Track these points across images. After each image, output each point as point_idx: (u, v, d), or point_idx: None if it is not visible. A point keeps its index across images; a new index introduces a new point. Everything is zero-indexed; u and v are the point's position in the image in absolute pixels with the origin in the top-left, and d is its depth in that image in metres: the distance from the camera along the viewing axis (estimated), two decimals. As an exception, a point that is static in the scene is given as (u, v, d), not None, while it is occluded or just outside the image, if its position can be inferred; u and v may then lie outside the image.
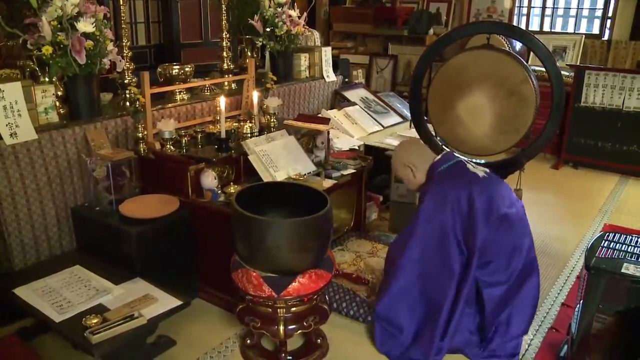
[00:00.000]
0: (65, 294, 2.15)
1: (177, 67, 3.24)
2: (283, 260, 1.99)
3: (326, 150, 3.04)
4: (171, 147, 2.66)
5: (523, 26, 5.75)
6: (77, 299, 2.11)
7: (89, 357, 1.96)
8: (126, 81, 2.90)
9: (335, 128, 3.67)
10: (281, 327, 2.07)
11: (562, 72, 2.83)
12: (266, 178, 2.60)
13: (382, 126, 4.11)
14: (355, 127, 3.92)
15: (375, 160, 3.23)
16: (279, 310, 2.07)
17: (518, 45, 4.87)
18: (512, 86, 2.67)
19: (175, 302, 2.12)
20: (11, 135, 2.35)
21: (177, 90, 3.20)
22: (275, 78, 3.38)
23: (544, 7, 5.82)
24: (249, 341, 2.22)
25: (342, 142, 3.47)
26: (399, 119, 4.33)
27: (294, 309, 2.08)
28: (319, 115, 3.73)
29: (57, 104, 2.61)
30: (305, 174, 2.74)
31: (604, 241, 2.08)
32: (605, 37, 5.38)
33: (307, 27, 4.06)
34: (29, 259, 2.48)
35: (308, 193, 2.20)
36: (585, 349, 1.98)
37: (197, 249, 2.59)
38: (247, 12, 3.72)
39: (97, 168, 2.48)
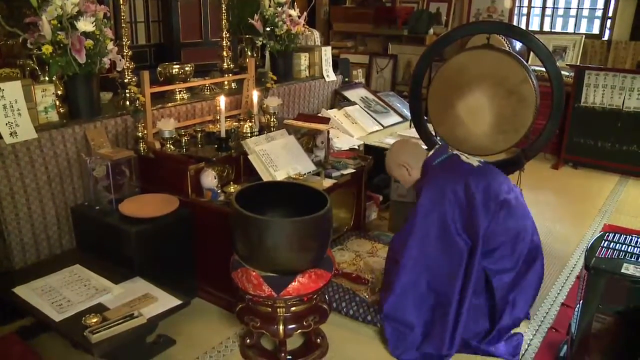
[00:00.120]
0: (65, 293, 2.15)
1: (177, 66, 3.24)
2: (283, 260, 1.99)
3: (326, 149, 3.04)
4: (171, 146, 2.66)
5: (523, 26, 5.74)
6: (77, 298, 2.12)
7: (89, 356, 1.97)
8: (126, 80, 2.91)
9: (335, 128, 3.67)
10: (281, 327, 2.07)
11: (562, 72, 2.83)
12: (266, 177, 2.60)
13: (382, 126, 4.11)
14: (355, 126, 3.92)
15: (375, 160, 3.23)
16: (278, 309, 2.07)
17: (518, 45, 4.87)
18: (512, 86, 2.67)
19: (174, 302, 2.12)
20: (11, 134, 2.35)
21: (177, 90, 3.21)
22: (275, 77, 3.38)
23: (544, 7, 5.82)
24: (248, 341, 2.22)
25: (342, 142, 3.47)
26: (399, 119, 4.34)
27: (293, 308, 2.08)
28: (319, 114, 3.73)
29: (57, 103, 2.61)
30: (305, 174, 2.74)
31: (603, 241, 2.08)
32: (605, 37, 5.38)
33: (307, 27, 4.07)
34: (28, 258, 2.48)
35: (308, 193, 2.20)
36: (585, 349, 1.97)
37: (196, 249, 2.59)
38: (247, 12, 3.72)
39: (97, 167, 2.48)
